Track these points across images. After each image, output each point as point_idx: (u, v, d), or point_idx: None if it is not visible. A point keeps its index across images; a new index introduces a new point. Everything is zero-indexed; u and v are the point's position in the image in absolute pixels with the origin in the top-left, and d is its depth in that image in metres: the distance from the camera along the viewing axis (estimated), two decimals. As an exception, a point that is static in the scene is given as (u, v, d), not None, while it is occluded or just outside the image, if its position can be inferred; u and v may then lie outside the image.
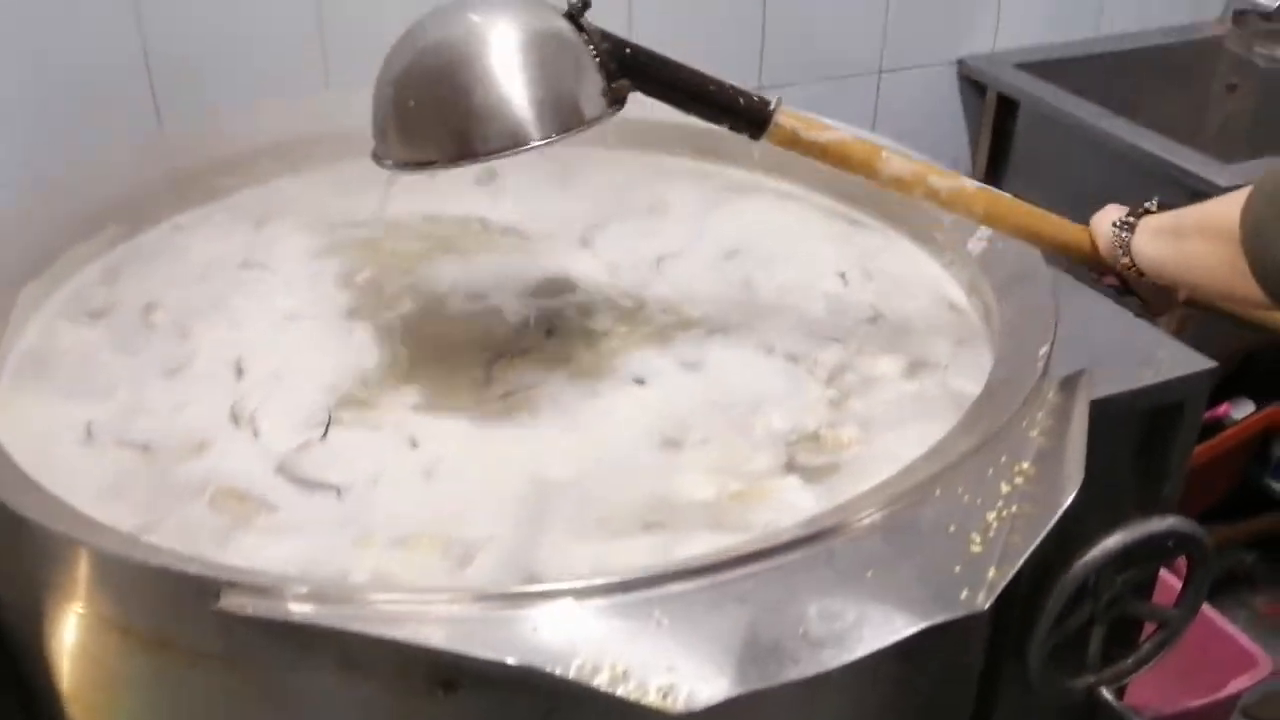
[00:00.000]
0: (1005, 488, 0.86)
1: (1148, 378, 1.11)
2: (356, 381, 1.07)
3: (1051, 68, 1.93)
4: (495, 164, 1.31)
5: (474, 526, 0.90)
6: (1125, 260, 1.02)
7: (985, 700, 1.10)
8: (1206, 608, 1.74)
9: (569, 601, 0.75)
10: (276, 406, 1.03)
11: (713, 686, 0.71)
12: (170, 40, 1.46)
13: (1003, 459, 0.89)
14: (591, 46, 0.98)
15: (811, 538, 0.80)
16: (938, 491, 0.85)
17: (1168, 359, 1.14)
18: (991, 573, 0.79)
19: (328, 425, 1.01)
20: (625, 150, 1.43)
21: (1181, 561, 1.15)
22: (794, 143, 1.02)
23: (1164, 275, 1.01)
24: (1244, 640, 1.74)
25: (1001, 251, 1.17)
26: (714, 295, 1.22)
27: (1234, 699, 1.69)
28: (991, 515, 0.84)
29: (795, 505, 0.92)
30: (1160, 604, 1.19)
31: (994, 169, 1.96)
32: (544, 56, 0.95)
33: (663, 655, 0.72)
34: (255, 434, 1.01)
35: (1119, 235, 1.02)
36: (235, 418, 1.02)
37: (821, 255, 1.29)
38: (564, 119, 0.95)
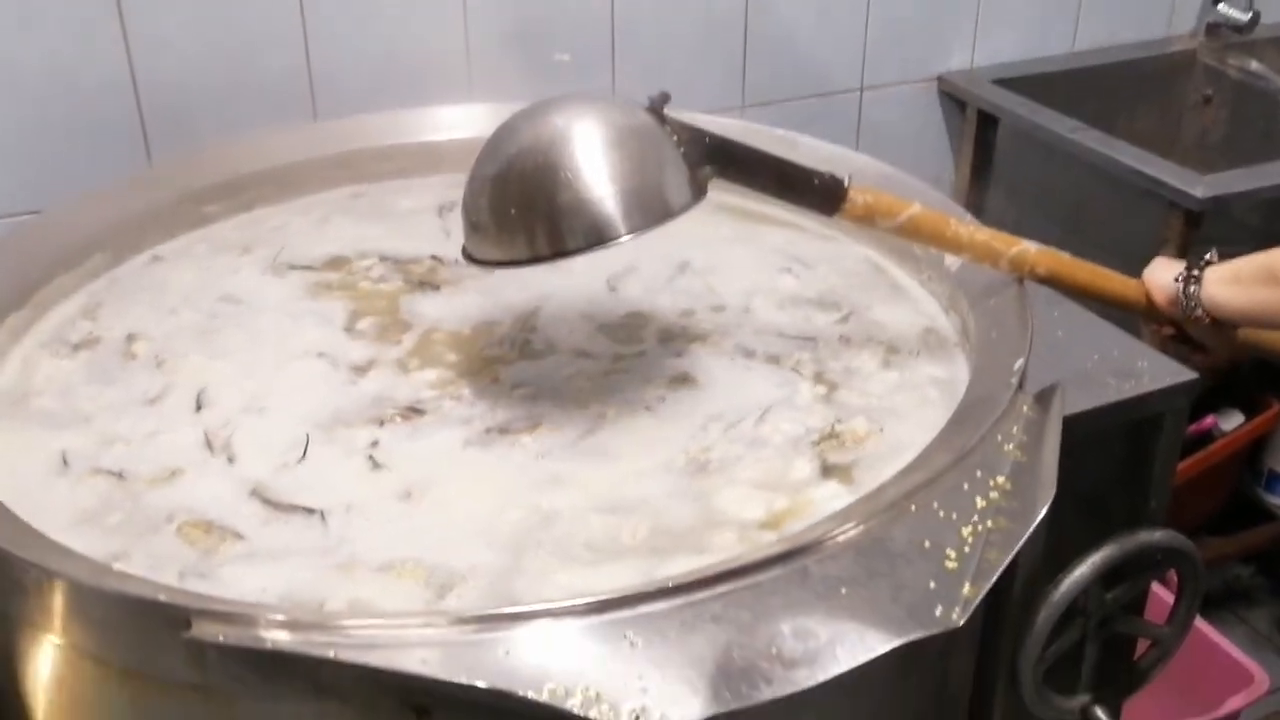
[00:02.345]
0: (980, 502, 0.86)
1: (1128, 389, 1.11)
2: (339, 409, 1.06)
3: (1029, 83, 1.94)
4: (454, 198, 1.33)
5: (464, 555, 0.90)
6: (1198, 313, 1.06)
7: (979, 721, 1.09)
8: (1203, 624, 1.73)
9: (542, 624, 0.75)
10: (254, 434, 1.03)
11: (685, 708, 0.70)
12: (159, 72, 1.47)
13: (978, 474, 0.89)
14: (674, 137, 1.00)
15: (785, 556, 0.79)
16: (913, 508, 0.85)
17: (1149, 371, 1.14)
18: (967, 589, 0.79)
19: (306, 447, 1.01)
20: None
21: (1174, 578, 1.15)
22: (868, 218, 1.07)
23: (1252, 321, 1.07)
24: (1241, 656, 1.72)
25: (976, 267, 1.18)
26: (681, 307, 1.23)
27: (1232, 717, 1.68)
28: (967, 531, 0.83)
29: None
30: (1153, 621, 1.19)
31: (976, 183, 1.97)
32: (629, 152, 0.97)
33: (635, 677, 0.72)
34: (230, 460, 1.00)
35: (1185, 289, 1.06)
36: (210, 444, 1.02)
37: (753, 256, 1.32)
38: (651, 213, 0.98)
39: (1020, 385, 0.98)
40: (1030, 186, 1.96)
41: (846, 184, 1.05)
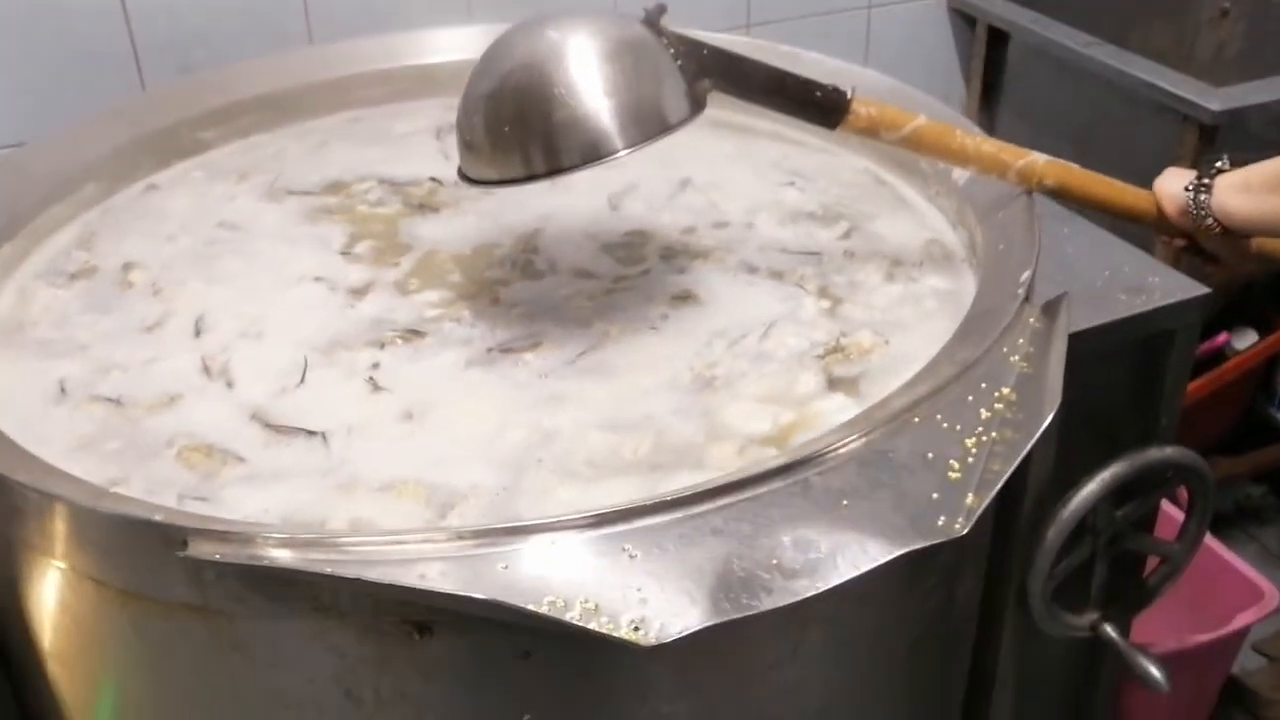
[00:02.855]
0: (985, 414, 0.85)
1: (1139, 305, 1.09)
2: (338, 333, 1.05)
3: (1041, -3, 1.90)
4: (452, 120, 1.34)
5: (465, 475, 0.89)
6: (1208, 222, 1.04)
7: (987, 638, 1.09)
8: (1212, 541, 1.73)
9: (541, 539, 0.74)
10: (252, 359, 1.02)
11: (684, 618, 0.70)
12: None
13: (983, 385, 0.87)
14: (671, 50, 0.98)
15: (786, 468, 0.78)
16: (916, 420, 0.84)
17: (1160, 285, 1.12)
18: (970, 499, 0.77)
19: (305, 370, 1.00)
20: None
21: (1184, 495, 1.14)
22: (871, 131, 1.05)
23: (1263, 230, 1.04)
24: (1251, 573, 1.72)
25: (984, 181, 1.15)
26: (683, 224, 1.22)
27: (1242, 633, 1.67)
28: (970, 442, 0.82)
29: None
30: (1162, 538, 1.18)
31: (987, 101, 1.93)
32: (625, 66, 0.95)
33: (634, 589, 0.71)
34: (229, 384, 1.00)
35: (1195, 198, 1.04)
36: (208, 369, 1.01)
37: (753, 171, 1.30)
38: (647, 127, 0.96)
39: (1027, 297, 0.96)
40: (1041, 104, 1.93)
41: (849, 96, 1.03)
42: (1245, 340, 1.97)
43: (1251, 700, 1.86)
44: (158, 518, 0.76)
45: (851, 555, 0.74)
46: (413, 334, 1.05)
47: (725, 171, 1.31)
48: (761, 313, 1.08)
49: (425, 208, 1.25)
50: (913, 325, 1.05)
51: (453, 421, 0.96)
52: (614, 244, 1.19)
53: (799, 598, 0.71)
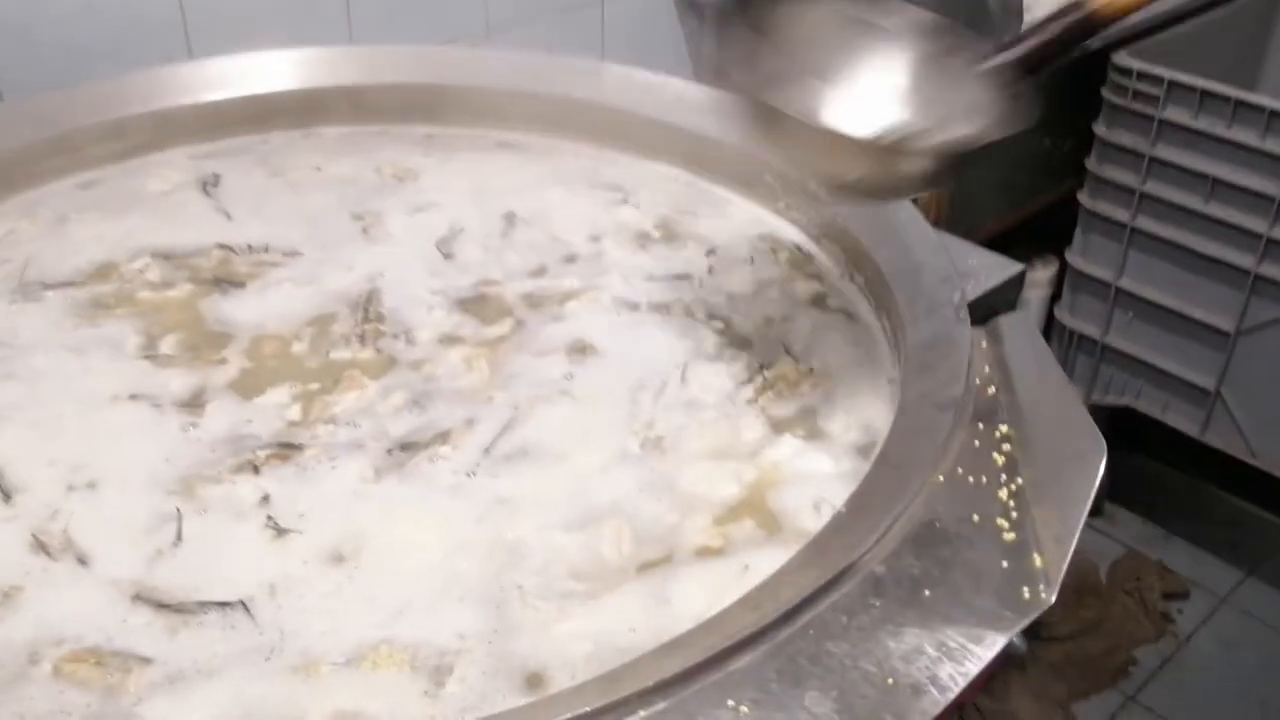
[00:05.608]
0: (999, 459, 0.80)
1: (974, 290, 1.08)
2: (189, 464, 0.86)
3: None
4: (214, 170, 1.19)
5: (440, 623, 0.74)
6: None
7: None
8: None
9: (622, 710, 0.62)
10: (97, 520, 0.81)
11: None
12: None
13: (980, 427, 0.82)
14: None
15: (849, 569, 0.70)
16: (941, 479, 0.77)
17: (981, 268, 1.12)
18: (1039, 561, 0.72)
19: (179, 524, 0.81)
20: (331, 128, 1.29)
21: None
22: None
23: None
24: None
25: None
26: (531, 264, 1.10)
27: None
28: (1003, 493, 0.77)
29: (816, 472, 0.86)
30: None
31: (716, 85, 1.90)
32: None
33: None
34: (81, 561, 0.78)
35: None
36: (43, 545, 0.79)
37: (572, 192, 1.20)
38: None
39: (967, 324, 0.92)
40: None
41: None
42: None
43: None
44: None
45: (960, 654, 0.66)
46: (287, 448, 0.87)
47: (543, 196, 1.19)
48: (666, 354, 0.98)
49: (223, 282, 1.05)
50: (819, 346, 1.00)
51: (392, 554, 0.79)
52: (467, 299, 1.05)
53: (931, 716, 0.64)
